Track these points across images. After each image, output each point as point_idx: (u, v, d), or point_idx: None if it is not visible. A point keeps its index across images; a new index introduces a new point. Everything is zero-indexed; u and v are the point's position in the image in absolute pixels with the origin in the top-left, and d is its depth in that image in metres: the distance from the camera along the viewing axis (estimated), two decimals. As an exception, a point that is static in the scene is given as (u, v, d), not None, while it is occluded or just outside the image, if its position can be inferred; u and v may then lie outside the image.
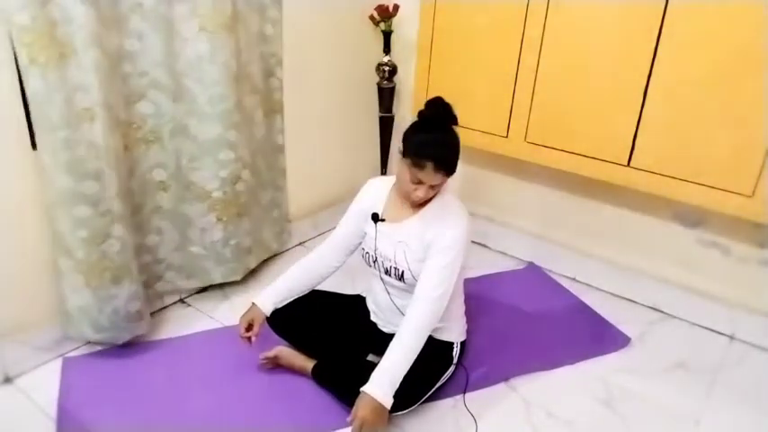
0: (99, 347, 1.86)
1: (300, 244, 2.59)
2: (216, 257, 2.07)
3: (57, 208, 1.60)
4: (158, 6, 1.71)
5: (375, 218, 1.65)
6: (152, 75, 1.78)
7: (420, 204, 1.59)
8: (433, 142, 1.47)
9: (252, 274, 2.27)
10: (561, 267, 2.46)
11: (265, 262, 2.39)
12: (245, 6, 1.96)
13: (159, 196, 1.93)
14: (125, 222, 1.73)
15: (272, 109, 2.24)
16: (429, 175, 1.47)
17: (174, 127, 1.87)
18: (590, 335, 2.06)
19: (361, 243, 1.74)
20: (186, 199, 1.97)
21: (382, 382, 1.44)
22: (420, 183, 1.50)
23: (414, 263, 1.58)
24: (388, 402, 1.43)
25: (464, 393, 1.73)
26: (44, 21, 1.45)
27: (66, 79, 1.52)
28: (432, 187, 1.52)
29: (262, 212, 2.29)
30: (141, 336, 1.88)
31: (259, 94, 2.13)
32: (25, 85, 1.48)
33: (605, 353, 1.97)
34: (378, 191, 1.71)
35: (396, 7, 2.46)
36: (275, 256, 2.45)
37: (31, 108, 1.50)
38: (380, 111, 2.64)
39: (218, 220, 2.02)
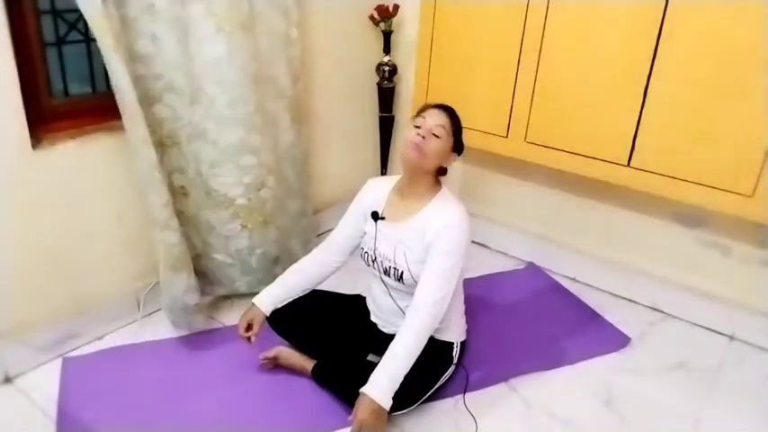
0: (99, 347, 1.86)
1: (300, 244, 2.59)
2: (241, 266, 2.05)
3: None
4: (171, 7, 1.68)
5: (375, 216, 1.65)
6: (167, 77, 1.75)
7: (419, 198, 1.59)
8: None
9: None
10: (561, 267, 2.46)
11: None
12: (266, 5, 1.90)
13: (179, 201, 1.91)
14: (178, 218, 1.79)
15: (301, 115, 2.18)
16: (432, 115, 1.55)
17: (192, 131, 1.84)
18: (590, 335, 2.06)
19: (360, 243, 1.74)
20: (207, 206, 1.94)
21: (381, 384, 1.44)
22: (421, 128, 1.55)
23: (413, 263, 1.58)
24: (387, 404, 1.43)
25: (464, 393, 1.73)
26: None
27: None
28: (433, 135, 1.53)
29: (289, 222, 2.24)
30: (137, 335, 1.88)
31: (286, 99, 2.07)
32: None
33: (605, 353, 1.97)
34: (378, 190, 1.71)
35: (396, 7, 2.46)
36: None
37: None
38: (380, 111, 2.64)
39: (243, 227, 1.99)
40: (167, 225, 1.73)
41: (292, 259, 2.24)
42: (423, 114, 1.57)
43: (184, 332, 1.95)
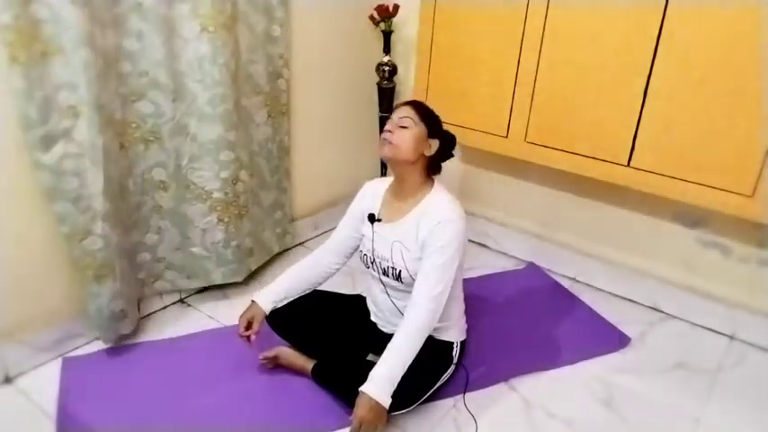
0: (99, 347, 1.86)
1: (301, 244, 2.59)
2: (217, 258, 2.07)
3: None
4: (158, 6, 1.71)
5: (371, 218, 1.65)
6: (152, 75, 1.78)
7: (412, 196, 1.60)
8: None
9: (252, 273, 2.27)
10: (561, 267, 2.46)
11: (267, 262, 2.39)
12: (248, 6, 1.96)
13: (159, 195, 1.93)
14: (110, 221, 1.72)
15: (280, 111, 2.23)
16: (396, 111, 1.58)
17: (174, 127, 1.87)
18: (590, 335, 2.06)
19: (359, 245, 1.74)
20: (186, 199, 1.97)
21: (380, 382, 1.44)
22: (388, 125, 1.58)
23: (410, 261, 1.58)
24: (386, 402, 1.43)
25: (464, 393, 1.73)
26: (27, 20, 1.44)
27: (49, 77, 1.52)
28: (399, 127, 1.55)
29: (263, 214, 2.29)
30: (136, 335, 1.89)
31: (262, 95, 2.12)
32: (7, 83, 1.47)
33: (605, 353, 1.97)
34: (374, 192, 1.71)
35: (396, 7, 2.46)
36: (276, 255, 2.45)
37: (13, 105, 1.50)
38: (380, 111, 2.64)
39: (220, 220, 2.02)
40: (90, 231, 1.68)
41: (265, 250, 2.34)
42: (395, 110, 1.61)
43: (183, 332, 1.95)
